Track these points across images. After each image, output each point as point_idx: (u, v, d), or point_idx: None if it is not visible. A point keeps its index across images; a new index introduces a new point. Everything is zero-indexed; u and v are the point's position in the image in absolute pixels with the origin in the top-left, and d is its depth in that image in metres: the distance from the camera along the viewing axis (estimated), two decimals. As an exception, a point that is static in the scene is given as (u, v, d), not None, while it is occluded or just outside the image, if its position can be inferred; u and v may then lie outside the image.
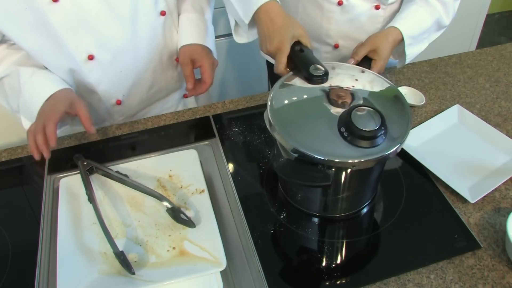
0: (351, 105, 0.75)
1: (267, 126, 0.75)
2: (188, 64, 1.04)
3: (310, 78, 0.80)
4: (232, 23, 1.00)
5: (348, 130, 0.70)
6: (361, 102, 0.76)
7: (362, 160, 0.68)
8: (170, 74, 1.11)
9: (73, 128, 1.17)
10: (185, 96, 1.21)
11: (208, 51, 1.09)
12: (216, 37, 1.20)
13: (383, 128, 0.70)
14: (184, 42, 1.06)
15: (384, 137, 0.70)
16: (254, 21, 0.90)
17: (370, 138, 0.69)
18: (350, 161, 0.68)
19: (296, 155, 0.70)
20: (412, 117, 1.04)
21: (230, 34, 1.12)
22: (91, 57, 0.95)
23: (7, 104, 1.01)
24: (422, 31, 1.02)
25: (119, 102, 1.06)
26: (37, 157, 0.86)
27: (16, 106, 0.98)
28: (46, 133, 0.85)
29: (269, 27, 0.85)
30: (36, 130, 0.86)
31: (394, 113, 0.75)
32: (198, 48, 1.06)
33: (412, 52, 1.04)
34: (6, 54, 0.95)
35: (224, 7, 0.98)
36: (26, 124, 0.97)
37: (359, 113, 0.71)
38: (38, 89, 0.93)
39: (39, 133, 0.85)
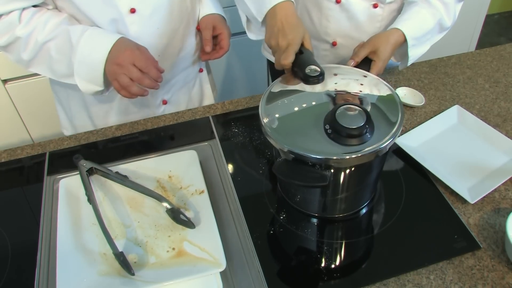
0: (336, 105, 0.75)
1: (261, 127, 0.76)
2: (210, 29, 1.11)
3: (306, 79, 0.81)
4: (244, 19, 1.03)
5: (333, 128, 0.71)
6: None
7: (353, 157, 0.69)
8: (193, 40, 1.15)
9: (73, 128, 1.18)
10: (200, 70, 1.25)
11: (225, 21, 1.16)
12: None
13: (367, 125, 0.70)
14: (207, 11, 1.14)
15: (370, 135, 0.70)
16: (266, 16, 0.92)
17: (356, 135, 0.70)
18: (338, 158, 0.69)
19: (292, 156, 0.70)
20: (411, 117, 1.04)
21: (233, 34, 1.14)
22: (133, 10, 0.98)
23: (49, 71, 0.99)
24: (424, 32, 1.02)
25: None
26: (146, 93, 0.95)
27: (64, 70, 0.97)
28: (152, 75, 0.93)
29: (284, 23, 0.88)
30: (137, 78, 0.91)
31: (386, 112, 0.76)
32: (219, 17, 1.15)
33: (415, 53, 1.04)
34: (48, 17, 0.95)
35: (226, 7, 1.00)
36: (82, 84, 0.97)
37: (344, 111, 0.72)
38: (96, 43, 0.93)
39: (143, 79, 0.92)
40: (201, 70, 1.25)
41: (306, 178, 0.71)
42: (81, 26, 0.95)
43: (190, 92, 1.24)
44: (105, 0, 0.95)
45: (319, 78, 0.80)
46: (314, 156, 0.69)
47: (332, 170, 0.72)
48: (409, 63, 1.06)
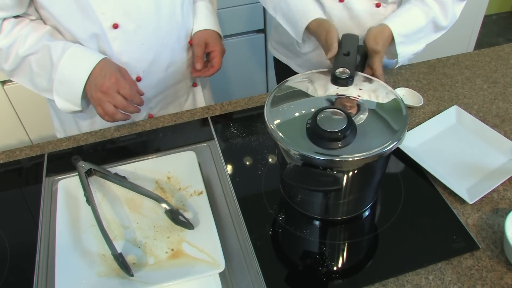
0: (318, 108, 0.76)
1: (268, 131, 0.76)
2: (202, 46, 1.10)
3: (335, 79, 0.82)
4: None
5: (316, 133, 0.71)
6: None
7: (362, 158, 0.68)
8: (185, 55, 1.13)
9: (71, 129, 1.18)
10: (194, 84, 1.23)
11: (220, 38, 1.15)
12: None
13: (348, 128, 0.70)
14: (201, 26, 1.12)
15: (351, 138, 0.71)
16: (308, 32, 1.04)
17: (336, 139, 0.70)
18: (343, 160, 0.69)
19: (301, 160, 0.70)
20: (410, 117, 1.04)
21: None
22: (116, 26, 0.96)
23: (30, 84, 0.99)
24: (414, 30, 1.01)
25: (139, 79, 1.06)
26: (129, 118, 0.98)
27: (44, 84, 0.97)
28: (136, 102, 0.95)
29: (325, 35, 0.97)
30: (123, 107, 0.93)
31: (392, 116, 0.76)
32: (214, 33, 1.13)
33: (405, 51, 1.03)
34: (29, 30, 0.94)
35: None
36: (59, 102, 0.97)
37: (324, 116, 0.72)
38: (76, 64, 0.93)
39: (128, 106, 0.94)
40: (194, 85, 1.22)
41: (318, 183, 0.70)
42: (62, 43, 0.94)
43: (182, 107, 1.22)
44: (86, 15, 0.94)
45: (348, 80, 0.82)
46: (320, 158, 0.69)
47: (343, 173, 0.72)
48: (400, 59, 1.05)
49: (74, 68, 0.93)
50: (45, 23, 0.99)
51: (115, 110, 0.93)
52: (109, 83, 0.91)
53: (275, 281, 0.74)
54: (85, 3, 0.92)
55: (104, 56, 0.95)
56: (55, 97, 0.96)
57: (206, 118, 1.07)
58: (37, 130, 1.96)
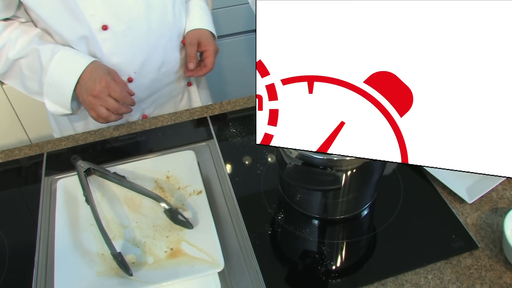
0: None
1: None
2: (195, 45, 1.09)
3: None
4: None
5: None
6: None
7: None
8: (177, 55, 1.13)
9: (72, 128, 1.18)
10: (188, 84, 1.22)
11: (214, 38, 1.14)
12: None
13: None
14: (194, 25, 1.11)
15: None
16: None
17: None
18: (342, 159, 0.69)
19: (300, 159, 0.70)
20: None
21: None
22: (105, 27, 0.96)
23: (21, 87, 1.00)
24: None
25: (130, 80, 1.06)
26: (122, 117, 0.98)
27: (35, 87, 0.97)
28: (128, 103, 0.96)
29: None
30: (115, 109, 0.93)
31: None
32: (207, 33, 1.11)
33: None
34: (19, 33, 0.94)
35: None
36: (50, 106, 0.97)
37: None
38: (65, 68, 0.93)
39: (121, 108, 0.94)
40: (189, 84, 1.22)
41: (319, 182, 0.70)
42: (51, 47, 0.94)
43: (177, 106, 1.22)
44: (74, 17, 0.93)
45: None
46: (318, 157, 0.69)
47: (342, 172, 0.72)
48: None
49: (64, 72, 0.93)
50: (35, 25, 0.99)
51: (108, 113, 0.93)
52: (99, 87, 0.92)
53: (274, 280, 0.74)
54: (73, 5, 0.91)
55: (94, 59, 0.95)
56: (45, 100, 0.97)
57: (205, 118, 1.07)
58: (36, 130, 1.96)
